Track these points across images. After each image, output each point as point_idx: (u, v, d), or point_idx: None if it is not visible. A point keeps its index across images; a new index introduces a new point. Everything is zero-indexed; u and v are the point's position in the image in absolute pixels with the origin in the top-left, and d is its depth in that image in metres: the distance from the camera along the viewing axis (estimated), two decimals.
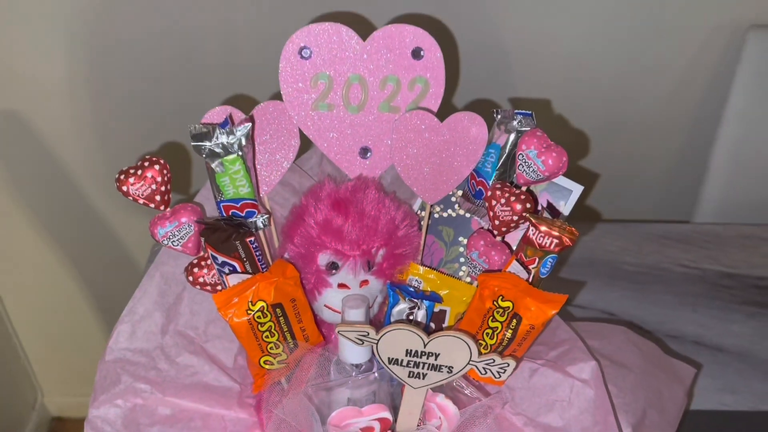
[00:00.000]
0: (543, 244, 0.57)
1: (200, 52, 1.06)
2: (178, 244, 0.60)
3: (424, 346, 0.52)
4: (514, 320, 0.57)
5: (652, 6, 1.04)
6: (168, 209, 0.59)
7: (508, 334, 0.57)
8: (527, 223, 0.58)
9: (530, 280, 0.58)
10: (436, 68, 0.64)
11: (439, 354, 0.53)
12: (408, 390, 0.56)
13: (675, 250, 0.98)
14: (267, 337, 0.58)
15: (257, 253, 0.59)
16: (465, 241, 0.68)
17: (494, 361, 0.53)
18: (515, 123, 0.62)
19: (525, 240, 0.58)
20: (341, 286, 0.61)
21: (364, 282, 0.62)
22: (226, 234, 0.58)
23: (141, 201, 0.58)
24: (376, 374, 0.58)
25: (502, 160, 0.63)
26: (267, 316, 0.57)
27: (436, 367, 0.54)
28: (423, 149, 0.64)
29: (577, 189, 0.64)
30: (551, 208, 0.64)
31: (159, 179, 0.57)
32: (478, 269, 0.63)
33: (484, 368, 0.54)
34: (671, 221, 1.18)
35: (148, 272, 0.65)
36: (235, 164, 0.59)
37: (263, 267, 0.60)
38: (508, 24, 1.05)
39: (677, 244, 0.99)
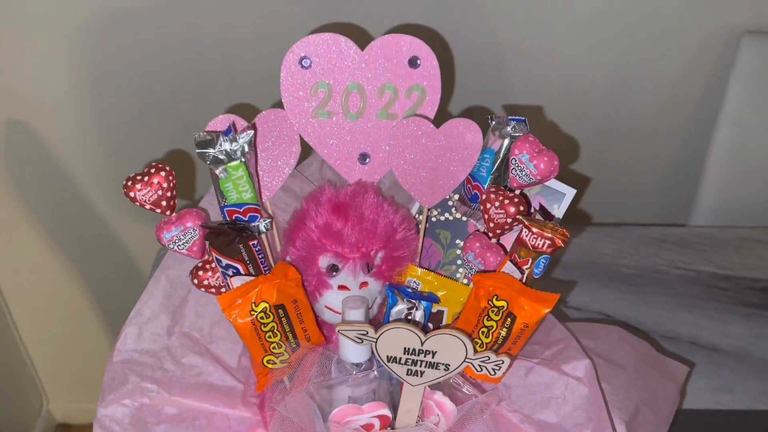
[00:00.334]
0: (536, 245, 0.58)
1: (204, 62, 1.07)
2: (183, 248, 0.61)
3: (422, 344, 0.53)
4: (509, 319, 0.58)
5: (646, 12, 1.04)
6: (174, 214, 0.60)
7: (503, 333, 0.59)
8: (521, 225, 0.59)
9: (524, 280, 0.59)
10: (433, 76, 0.65)
11: (436, 352, 0.54)
12: (406, 387, 0.57)
13: (671, 253, 0.98)
14: (270, 337, 0.59)
15: (260, 256, 0.61)
16: (462, 244, 0.69)
17: (489, 358, 0.54)
18: (509, 129, 0.63)
19: (518, 241, 0.59)
20: (341, 287, 0.62)
21: (364, 284, 0.63)
22: (230, 237, 0.59)
23: (148, 206, 0.59)
24: (375, 372, 0.59)
25: (496, 165, 0.64)
26: (270, 316, 0.58)
27: (433, 365, 0.55)
28: (420, 155, 0.65)
29: (570, 192, 0.65)
30: (544, 211, 0.65)
31: (165, 185, 0.58)
32: (474, 270, 0.64)
33: (479, 365, 0.55)
34: (668, 225, 1.19)
35: (154, 276, 0.66)
36: (238, 170, 0.60)
37: (266, 269, 0.61)
38: (502, 33, 1.06)
39: (673, 247, 0.99)
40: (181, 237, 0.60)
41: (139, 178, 0.58)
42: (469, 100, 1.11)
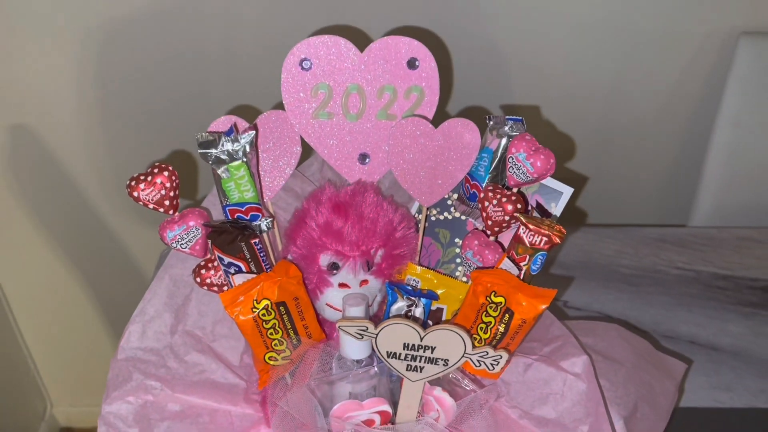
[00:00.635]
0: (533, 241, 0.59)
1: (206, 65, 1.08)
2: (186, 247, 0.62)
3: (421, 339, 0.54)
4: (507, 315, 0.58)
5: (644, 13, 1.05)
6: (176, 214, 0.61)
7: (501, 329, 0.59)
8: (518, 222, 0.60)
9: (521, 276, 0.60)
10: (431, 77, 0.66)
11: (435, 347, 0.54)
12: (406, 383, 0.58)
13: (670, 253, 0.98)
14: (271, 334, 0.59)
15: (261, 254, 0.61)
16: (461, 243, 0.69)
17: (488, 353, 0.55)
18: (507, 128, 0.63)
19: (516, 238, 0.60)
20: (342, 285, 0.63)
21: (364, 281, 0.63)
22: (232, 236, 0.60)
23: (151, 206, 0.59)
24: (376, 369, 0.59)
25: (494, 164, 0.65)
26: (271, 313, 0.59)
27: (432, 360, 0.55)
28: (419, 154, 0.65)
29: (567, 191, 0.65)
30: (541, 208, 0.66)
31: (168, 185, 0.59)
32: (472, 268, 0.65)
33: (478, 360, 0.55)
34: (667, 225, 1.19)
35: (157, 275, 0.67)
36: (240, 170, 0.61)
37: (267, 267, 0.62)
38: (499, 34, 1.06)
39: (673, 247, 0.99)
40: (184, 236, 0.61)
41: (142, 178, 0.59)
42: (467, 101, 1.11)
